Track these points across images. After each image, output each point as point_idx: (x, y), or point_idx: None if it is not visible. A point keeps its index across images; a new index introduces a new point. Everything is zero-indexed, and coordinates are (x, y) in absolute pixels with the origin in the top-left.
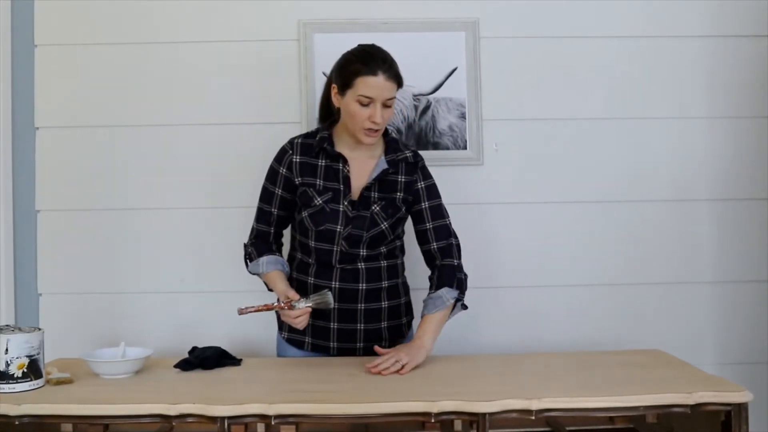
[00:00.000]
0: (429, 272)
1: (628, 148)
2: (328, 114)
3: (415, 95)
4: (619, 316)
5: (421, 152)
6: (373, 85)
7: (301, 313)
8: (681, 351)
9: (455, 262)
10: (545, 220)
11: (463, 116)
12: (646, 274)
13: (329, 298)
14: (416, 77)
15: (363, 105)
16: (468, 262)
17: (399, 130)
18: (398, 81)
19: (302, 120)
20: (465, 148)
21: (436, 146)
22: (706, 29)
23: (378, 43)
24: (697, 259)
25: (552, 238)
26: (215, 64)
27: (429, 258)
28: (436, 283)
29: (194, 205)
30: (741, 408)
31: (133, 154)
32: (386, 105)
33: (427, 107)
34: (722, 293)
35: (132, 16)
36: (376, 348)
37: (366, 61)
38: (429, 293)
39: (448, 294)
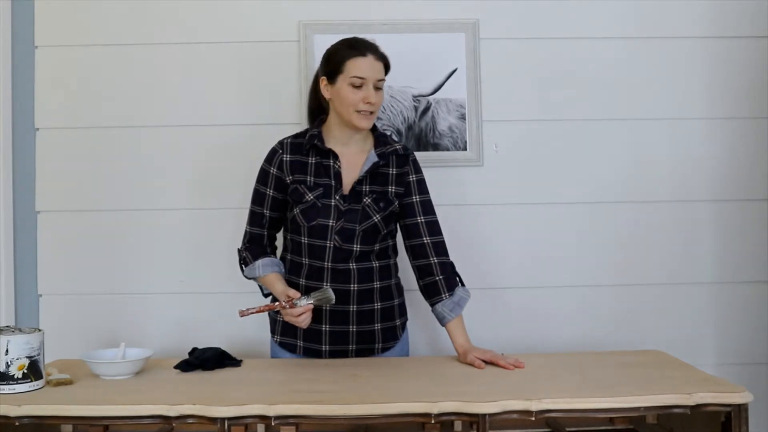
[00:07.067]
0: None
1: (628, 148)
2: (317, 113)
3: (415, 96)
4: (619, 316)
5: (421, 153)
6: (364, 65)
7: (303, 310)
8: (681, 351)
9: (450, 260)
10: (545, 221)
11: (463, 117)
12: (646, 274)
13: (330, 294)
14: (416, 78)
15: (356, 87)
16: (468, 262)
17: (399, 132)
18: (386, 63)
19: (302, 121)
20: (465, 149)
21: (436, 147)
22: (705, 29)
23: (378, 44)
24: (697, 260)
25: (552, 238)
26: (215, 65)
27: (418, 252)
28: (444, 285)
29: (194, 206)
30: (741, 408)
31: (133, 155)
32: (377, 87)
33: (427, 108)
34: (722, 293)
35: (132, 17)
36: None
37: (353, 45)
38: (443, 295)
39: (464, 294)
